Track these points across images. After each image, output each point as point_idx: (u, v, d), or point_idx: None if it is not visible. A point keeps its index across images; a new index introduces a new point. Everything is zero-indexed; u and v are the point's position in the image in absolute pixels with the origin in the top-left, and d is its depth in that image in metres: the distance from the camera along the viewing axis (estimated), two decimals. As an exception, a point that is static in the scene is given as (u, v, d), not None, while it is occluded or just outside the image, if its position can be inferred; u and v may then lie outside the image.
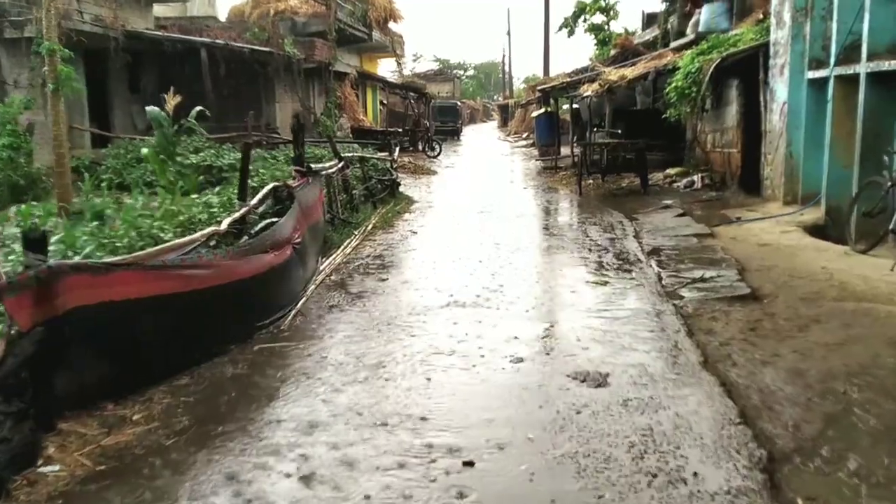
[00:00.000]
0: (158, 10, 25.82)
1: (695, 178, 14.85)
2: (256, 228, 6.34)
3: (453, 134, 43.52)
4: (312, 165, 8.88)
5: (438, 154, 27.81)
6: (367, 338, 5.87)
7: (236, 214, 6.01)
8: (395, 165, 15.10)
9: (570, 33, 35.05)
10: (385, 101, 37.92)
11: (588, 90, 19.02)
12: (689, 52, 14.86)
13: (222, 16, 26.43)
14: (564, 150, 22.76)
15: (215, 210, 6.72)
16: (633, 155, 15.65)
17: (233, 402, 4.63)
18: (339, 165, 10.88)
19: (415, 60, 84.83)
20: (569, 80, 22.19)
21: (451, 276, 7.96)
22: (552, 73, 29.92)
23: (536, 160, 24.74)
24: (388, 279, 7.91)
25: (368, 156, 14.16)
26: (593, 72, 20.50)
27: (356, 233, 10.25)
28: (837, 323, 5.78)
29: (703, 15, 18.10)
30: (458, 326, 6.11)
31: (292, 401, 4.62)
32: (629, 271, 8.04)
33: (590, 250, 9.29)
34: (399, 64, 36.24)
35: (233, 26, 21.60)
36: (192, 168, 13.01)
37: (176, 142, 9.03)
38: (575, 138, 20.82)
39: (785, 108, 11.72)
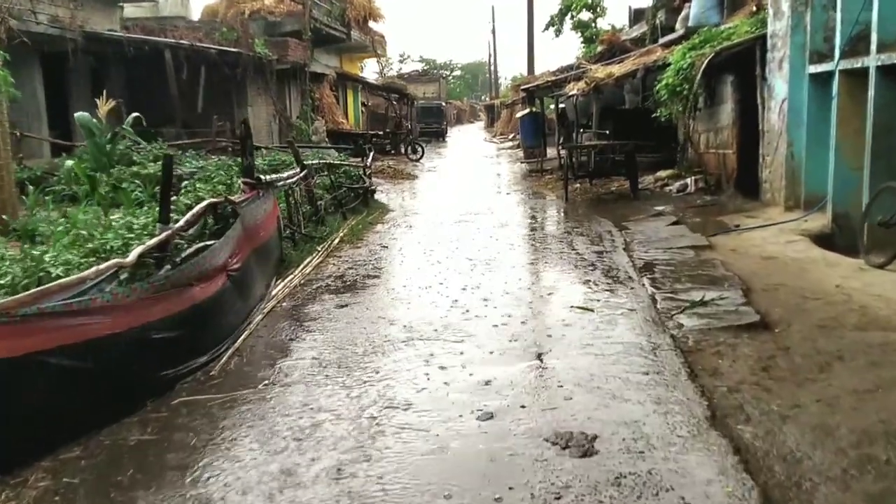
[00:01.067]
0: (129, 10, 24.84)
1: (688, 181, 13.99)
2: (182, 256, 5.40)
3: (438, 135, 42.59)
4: (265, 176, 7.93)
5: (421, 157, 26.88)
6: (310, 384, 4.94)
7: (152, 241, 5.06)
8: (368, 172, 14.16)
9: (558, 32, 34.28)
10: (367, 103, 36.99)
11: (574, 89, 18.15)
12: (679, 47, 14.01)
13: (196, 16, 25.47)
14: (551, 152, 21.90)
15: (132, 235, 5.75)
16: (623, 157, 14.79)
17: (127, 483, 3.70)
18: (302, 174, 9.93)
19: (401, 61, 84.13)
20: (554, 78, 21.32)
21: (419, 302, 7.05)
22: (538, 73, 28.99)
23: (522, 163, 23.84)
24: (347, 305, 6.98)
25: (337, 162, 13.21)
26: (579, 70, 19.65)
27: (319, 249, 9.32)
28: (865, 360, 4.90)
29: (693, 9, 17.36)
30: (421, 368, 5.19)
31: (201, 481, 3.69)
32: (619, 293, 7.14)
33: (575, 267, 8.39)
34: (380, 64, 35.27)
35: (201, 26, 20.60)
36: (148, 178, 12.14)
37: (111, 151, 8.05)
38: (561, 140, 19.90)
39: (785, 106, 10.87)
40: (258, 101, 21.67)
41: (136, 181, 12.05)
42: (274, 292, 7.34)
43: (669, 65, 13.77)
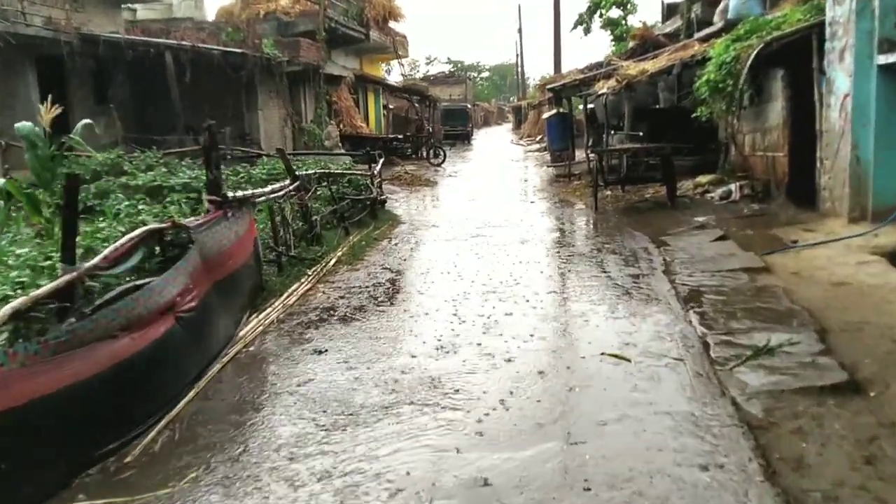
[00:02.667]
0: (142, 13, 24.00)
1: (732, 187, 12.54)
2: (97, 303, 4.19)
3: (463, 138, 41.34)
4: (238, 192, 6.70)
5: (442, 161, 25.61)
6: (245, 481, 3.68)
7: (39, 290, 3.84)
8: (377, 181, 12.91)
9: (586, 31, 32.92)
10: (390, 106, 35.86)
11: (603, 87, 16.78)
12: (721, 39, 12.60)
13: (211, 17, 24.48)
14: (580, 155, 20.53)
15: (25, 279, 4.51)
16: (658, 160, 13.42)
17: None
18: (293, 186, 8.71)
19: (428, 63, 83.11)
20: (582, 77, 19.93)
21: (414, 346, 5.77)
22: (566, 72, 27.57)
23: (548, 166, 22.47)
24: (327, 351, 5.72)
25: (338, 171, 11.96)
26: (609, 67, 18.24)
27: (310, 273, 8.09)
28: None
29: (733, 0, 16.00)
30: (400, 453, 3.92)
31: None
32: (662, 333, 5.79)
33: (607, 296, 7.03)
34: (401, 65, 34.06)
35: (207, 27, 19.54)
36: (139, 190, 11.22)
37: (55, 165, 6.93)
38: (590, 143, 18.52)
39: (848, 102, 9.43)
40: (270, 105, 20.57)
41: (122, 194, 11.14)
42: (243, 332, 6.12)
43: (709, 59, 12.41)
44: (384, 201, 13.27)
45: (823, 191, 10.19)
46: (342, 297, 7.37)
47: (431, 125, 31.47)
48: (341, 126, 25.35)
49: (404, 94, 32.23)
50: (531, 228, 11.37)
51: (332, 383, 4.99)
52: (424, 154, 26.78)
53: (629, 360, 5.19)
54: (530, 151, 32.75)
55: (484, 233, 11.03)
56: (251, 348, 5.84)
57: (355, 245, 9.90)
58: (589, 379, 4.91)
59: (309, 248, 8.76)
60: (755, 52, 10.99)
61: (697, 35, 17.39)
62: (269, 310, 6.80)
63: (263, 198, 7.48)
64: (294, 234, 8.79)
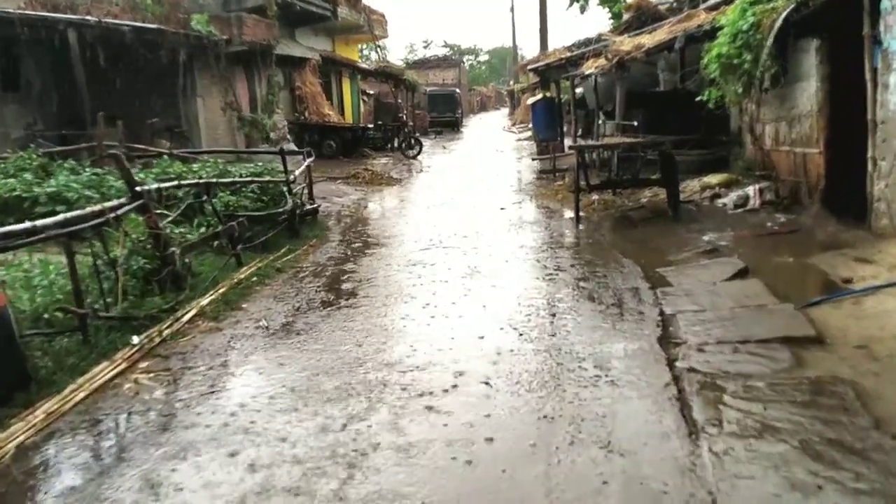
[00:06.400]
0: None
1: (749, 191, 9.88)
2: None
3: (452, 125, 38.60)
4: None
5: (418, 154, 22.91)
6: None
7: None
8: (300, 186, 10.21)
9: (582, 9, 30.15)
10: (370, 92, 33.11)
11: (592, 67, 14.07)
12: (735, 3, 9.89)
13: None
14: (569, 143, 17.82)
15: None
16: (656, 156, 10.78)
17: None
18: (128, 208, 6.06)
19: (425, 47, 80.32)
20: (569, 55, 17.17)
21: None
22: (552, 50, 24.77)
23: (533, 159, 19.74)
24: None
25: (228, 180, 9.16)
26: (600, 43, 15.52)
27: (138, 340, 5.47)
28: None
29: (746, -39, 13.31)
30: None
31: None
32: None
33: (565, 397, 4.37)
34: (378, 47, 31.14)
35: (128, 1, 16.75)
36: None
37: None
38: (578, 133, 15.82)
39: (916, 82, 6.79)
40: (213, 92, 17.85)
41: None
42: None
43: (720, 29, 9.74)
44: (315, 210, 10.60)
45: (878, 202, 7.52)
46: (160, 388, 4.73)
47: (407, 112, 28.67)
48: (306, 114, 22.70)
49: (381, 78, 29.44)
50: (489, 252, 8.70)
51: None
52: (397, 145, 24.12)
53: None
54: (522, 140, 30.04)
55: (427, 259, 8.38)
56: None
57: (242, 282, 7.27)
58: None
59: (146, 300, 6.08)
60: (782, 16, 8.36)
61: (704, 5, 14.73)
62: (19, 424, 4.20)
63: (41, 236, 4.80)
64: (136, 277, 6.16)
